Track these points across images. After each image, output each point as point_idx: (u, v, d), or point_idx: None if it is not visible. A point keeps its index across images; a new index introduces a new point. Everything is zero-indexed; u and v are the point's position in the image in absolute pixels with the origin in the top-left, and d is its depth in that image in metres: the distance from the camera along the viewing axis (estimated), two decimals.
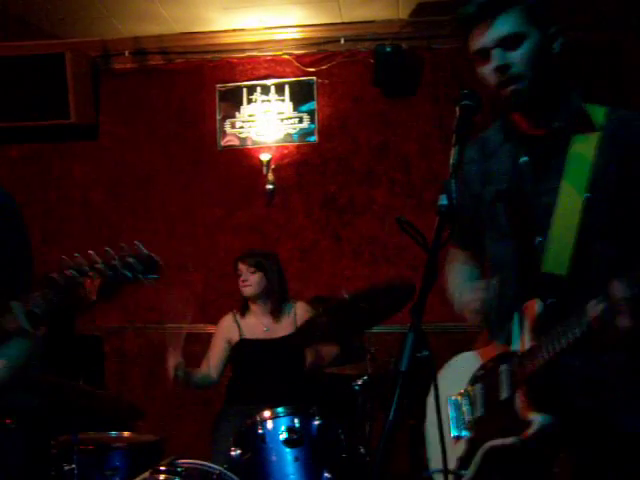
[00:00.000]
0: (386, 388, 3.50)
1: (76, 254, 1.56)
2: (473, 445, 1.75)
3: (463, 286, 1.95)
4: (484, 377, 1.79)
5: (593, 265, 1.67)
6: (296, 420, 2.90)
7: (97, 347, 4.68)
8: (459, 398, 1.85)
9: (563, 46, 1.70)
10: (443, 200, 1.41)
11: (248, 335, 3.71)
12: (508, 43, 1.66)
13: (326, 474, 2.85)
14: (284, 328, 3.70)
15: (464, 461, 1.76)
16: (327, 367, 3.67)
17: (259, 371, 3.64)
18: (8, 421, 1.97)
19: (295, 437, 2.86)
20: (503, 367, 1.70)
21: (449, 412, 1.85)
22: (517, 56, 1.66)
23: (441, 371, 1.97)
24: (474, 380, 1.82)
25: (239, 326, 3.73)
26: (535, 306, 1.66)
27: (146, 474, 2.76)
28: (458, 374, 1.87)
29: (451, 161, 1.46)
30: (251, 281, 3.65)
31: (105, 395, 3.40)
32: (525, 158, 1.76)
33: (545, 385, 1.62)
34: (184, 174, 4.75)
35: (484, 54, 1.69)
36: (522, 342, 1.67)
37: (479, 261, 2.04)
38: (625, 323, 1.41)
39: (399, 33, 4.52)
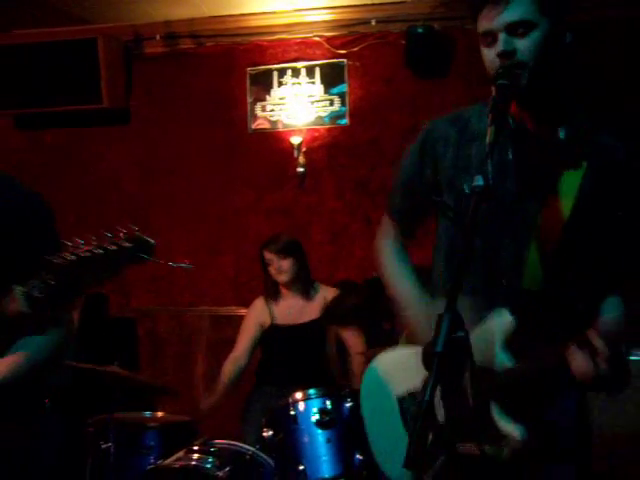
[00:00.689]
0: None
1: (75, 238, 1.59)
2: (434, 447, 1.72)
3: (413, 299, 1.91)
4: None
5: (567, 287, 1.66)
6: (328, 402, 2.92)
7: (130, 329, 4.74)
8: (415, 396, 1.78)
9: (573, 42, 1.64)
10: (479, 180, 1.39)
11: (280, 320, 3.73)
12: (517, 30, 1.60)
13: (358, 456, 2.86)
14: (314, 311, 3.71)
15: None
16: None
17: (290, 355, 3.66)
18: (46, 400, 2.01)
19: (327, 419, 2.88)
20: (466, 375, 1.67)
21: (399, 411, 1.82)
22: (524, 44, 1.60)
23: (380, 365, 1.95)
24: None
25: (271, 311, 3.75)
26: (507, 321, 1.64)
27: (180, 453, 2.81)
28: (408, 368, 1.78)
29: (487, 141, 1.43)
30: (284, 267, 3.67)
31: (138, 377, 3.45)
32: (511, 156, 1.69)
33: (517, 397, 1.61)
34: (215, 157, 4.76)
35: (490, 37, 1.63)
36: (490, 355, 1.63)
37: (407, 240, 2.05)
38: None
39: (431, 14, 4.45)
